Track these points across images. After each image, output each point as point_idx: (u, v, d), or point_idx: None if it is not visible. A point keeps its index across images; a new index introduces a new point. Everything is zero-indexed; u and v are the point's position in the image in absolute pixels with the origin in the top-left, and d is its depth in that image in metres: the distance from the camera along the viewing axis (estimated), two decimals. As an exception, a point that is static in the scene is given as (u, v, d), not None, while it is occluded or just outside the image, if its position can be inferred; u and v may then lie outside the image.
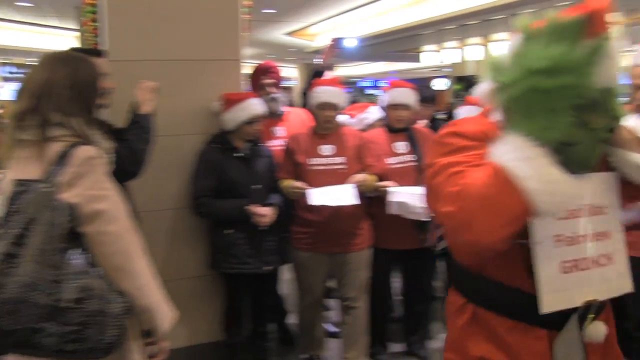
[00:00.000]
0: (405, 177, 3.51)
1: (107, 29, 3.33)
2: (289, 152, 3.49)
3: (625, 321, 3.22)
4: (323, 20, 12.46)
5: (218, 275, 3.55)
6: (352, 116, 4.39)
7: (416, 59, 15.27)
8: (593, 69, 1.36)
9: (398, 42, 12.97)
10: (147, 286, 1.88)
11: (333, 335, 4.12)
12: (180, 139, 3.49)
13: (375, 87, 28.68)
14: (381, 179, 3.51)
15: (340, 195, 3.27)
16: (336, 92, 3.44)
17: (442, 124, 5.05)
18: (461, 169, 1.45)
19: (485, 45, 12.30)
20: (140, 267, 1.88)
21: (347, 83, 29.20)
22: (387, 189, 3.42)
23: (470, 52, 12.75)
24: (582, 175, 1.55)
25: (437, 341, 4.07)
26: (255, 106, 3.38)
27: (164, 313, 1.94)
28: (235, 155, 3.38)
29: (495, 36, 11.55)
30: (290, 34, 14.61)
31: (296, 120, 3.93)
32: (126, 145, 2.68)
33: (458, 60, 13.64)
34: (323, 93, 3.42)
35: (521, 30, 1.41)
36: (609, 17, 1.39)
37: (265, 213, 3.31)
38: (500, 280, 1.61)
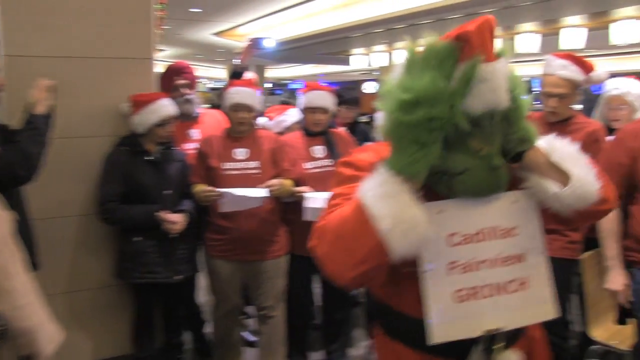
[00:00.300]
0: (322, 182, 3.40)
1: (0, 21, 3.08)
2: (201, 155, 3.34)
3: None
4: (251, 21, 12.27)
5: (126, 285, 3.36)
6: (270, 118, 4.28)
7: (346, 61, 15.26)
8: (461, 97, 1.30)
9: (328, 44, 12.88)
10: (28, 306, 1.70)
11: (251, 344, 3.99)
12: (86, 141, 3.30)
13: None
14: (298, 184, 3.40)
15: (251, 196, 3.15)
16: (249, 93, 3.31)
17: (364, 127, 5.00)
18: (339, 202, 1.41)
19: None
20: (21, 285, 1.70)
21: (278, 85, 29.18)
22: (303, 194, 3.31)
23: (398, 56, 12.83)
24: (486, 198, 1.48)
25: (358, 349, 3.99)
26: (166, 108, 3.21)
27: (48, 335, 1.76)
28: (145, 158, 3.21)
29: (422, 41, 11.65)
30: (218, 34, 14.36)
31: (212, 122, 3.79)
32: (17, 148, 2.48)
33: (386, 63, 13.71)
34: (236, 94, 3.29)
35: (406, 57, 1.34)
36: (486, 39, 1.33)
37: (176, 220, 3.15)
38: (402, 310, 1.54)
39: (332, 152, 3.53)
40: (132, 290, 3.36)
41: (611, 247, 2.85)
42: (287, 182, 3.33)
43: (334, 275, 1.33)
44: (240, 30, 13.38)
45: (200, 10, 11.06)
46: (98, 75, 3.32)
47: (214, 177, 3.28)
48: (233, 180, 3.23)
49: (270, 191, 3.20)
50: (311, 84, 3.65)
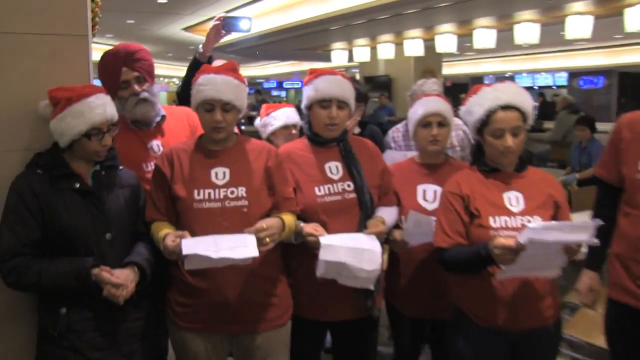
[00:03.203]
0: (340, 216, 2.36)
1: None
2: (160, 178, 2.25)
3: None
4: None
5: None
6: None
7: (327, 58, 14.18)
8: None
9: (307, 39, 11.79)
10: None
11: None
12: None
13: (282, 87, 27.61)
14: (304, 219, 2.34)
15: (226, 257, 2.02)
16: (229, 83, 2.22)
17: (374, 129, 3.97)
18: None
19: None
20: None
21: (251, 84, 28.01)
22: (318, 238, 2.23)
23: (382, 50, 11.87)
24: None
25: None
26: (99, 108, 2.08)
27: None
28: (73, 187, 2.09)
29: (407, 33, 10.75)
30: (188, 29, 13.19)
31: (181, 126, 2.69)
32: None
33: (367, 59, 12.70)
34: (207, 85, 2.20)
35: None
36: None
37: (121, 281, 2.04)
38: None
39: (353, 169, 2.45)
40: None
41: None
42: (289, 219, 2.26)
43: None
44: (212, 24, 12.23)
45: (165, 0, 9.90)
46: (3, 58, 2.21)
47: (181, 211, 2.20)
48: (208, 218, 2.15)
49: (261, 242, 2.08)
50: (319, 69, 2.55)
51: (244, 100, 2.27)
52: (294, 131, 3.36)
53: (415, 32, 10.80)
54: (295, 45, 13.23)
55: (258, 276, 2.21)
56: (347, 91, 2.45)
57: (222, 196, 2.17)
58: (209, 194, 2.17)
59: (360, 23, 9.82)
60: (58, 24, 2.29)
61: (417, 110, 2.63)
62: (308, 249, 2.27)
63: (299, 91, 28.47)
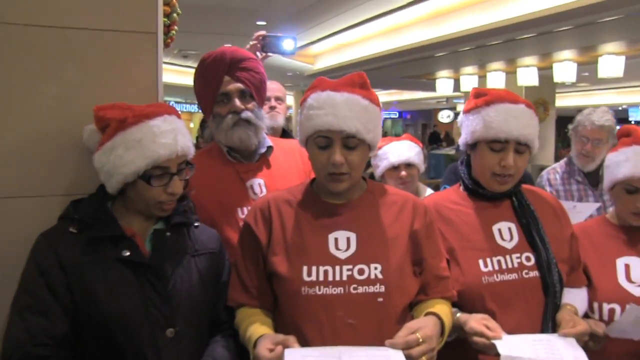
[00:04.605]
0: (518, 303, 1.59)
1: None
2: (251, 244, 1.52)
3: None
4: (324, 37, 10.70)
5: None
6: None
7: (431, 87, 13.43)
8: None
9: (411, 66, 11.08)
10: None
11: None
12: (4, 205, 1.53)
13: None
14: (463, 304, 1.58)
15: None
16: (354, 106, 1.45)
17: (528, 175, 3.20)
18: None
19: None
20: None
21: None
22: (492, 341, 1.44)
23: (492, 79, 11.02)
24: None
25: None
26: (169, 136, 1.38)
27: None
28: (120, 256, 1.39)
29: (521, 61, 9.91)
30: (286, 53, 12.86)
31: (290, 165, 2.00)
32: None
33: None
34: (321, 109, 1.44)
35: None
36: None
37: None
38: None
39: (535, 235, 1.65)
40: None
41: None
42: (446, 312, 1.48)
43: None
44: (313, 49, 11.97)
45: (264, 22, 9.48)
46: (34, 63, 1.56)
47: (282, 296, 1.47)
48: (323, 310, 1.41)
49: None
50: (492, 90, 1.76)
51: (378, 131, 1.51)
52: (403, 173, 2.61)
53: (530, 60, 9.95)
54: (399, 73, 12.61)
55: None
56: (532, 128, 1.67)
57: (345, 277, 1.41)
58: (326, 272, 1.41)
59: (468, 49, 9.06)
60: (115, 16, 1.63)
61: (621, 167, 1.78)
62: (470, 351, 1.49)
63: (396, 121, 27.58)
